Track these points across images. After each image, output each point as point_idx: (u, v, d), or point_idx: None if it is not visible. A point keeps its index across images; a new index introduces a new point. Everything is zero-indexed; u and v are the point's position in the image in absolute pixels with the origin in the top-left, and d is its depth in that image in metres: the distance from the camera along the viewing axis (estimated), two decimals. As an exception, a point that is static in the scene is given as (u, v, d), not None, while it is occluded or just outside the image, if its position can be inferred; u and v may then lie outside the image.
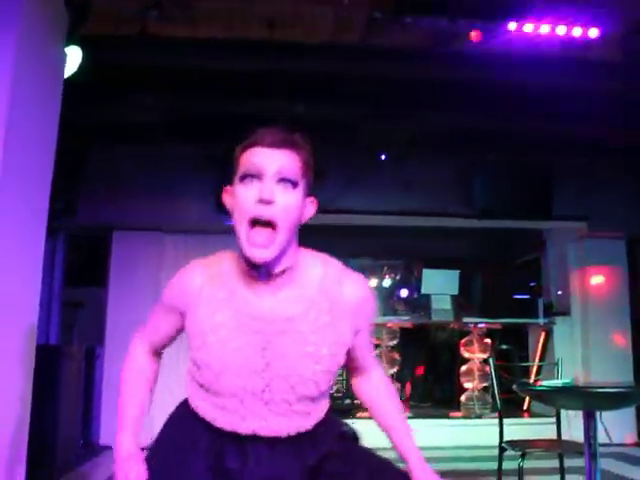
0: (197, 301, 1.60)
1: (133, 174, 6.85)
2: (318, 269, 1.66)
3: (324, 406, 1.71)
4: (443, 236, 7.87)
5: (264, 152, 1.51)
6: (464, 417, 7.32)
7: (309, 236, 7.43)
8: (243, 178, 1.50)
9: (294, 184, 1.53)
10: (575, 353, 7.34)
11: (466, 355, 7.56)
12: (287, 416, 1.58)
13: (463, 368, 7.58)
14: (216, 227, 6.99)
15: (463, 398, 7.51)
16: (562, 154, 7.11)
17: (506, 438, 4.03)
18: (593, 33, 4.66)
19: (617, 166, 7.39)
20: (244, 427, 1.58)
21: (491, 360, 4.30)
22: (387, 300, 8.45)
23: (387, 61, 5.30)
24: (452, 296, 7.60)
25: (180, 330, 1.72)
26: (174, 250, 7.07)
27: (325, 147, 6.87)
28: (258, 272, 1.56)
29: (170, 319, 1.71)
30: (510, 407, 7.80)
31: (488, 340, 7.67)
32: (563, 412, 4.77)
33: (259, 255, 1.48)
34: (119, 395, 1.72)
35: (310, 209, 1.61)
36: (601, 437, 6.21)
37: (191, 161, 6.87)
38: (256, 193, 1.47)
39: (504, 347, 7.95)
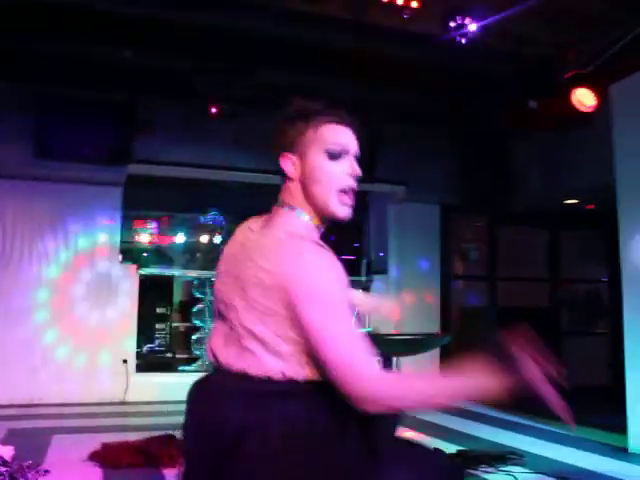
0: None
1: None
2: None
3: None
4: (272, 193, 7.97)
5: (347, 132, 1.72)
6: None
7: (135, 188, 7.27)
8: (332, 155, 1.68)
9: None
10: (389, 308, 7.81)
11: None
12: None
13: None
14: (35, 172, 6.64)
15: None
16: (388, 120, 7.42)
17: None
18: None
19: (440, 137, 7.85)
20: None
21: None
22: (211, 254, 8.48)
23: (225, 13, 5.22)
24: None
25: None
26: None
27: (158, 97, 6.76)
28: (323, 230, 1.74)
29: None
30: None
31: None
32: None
33: (346, 213, 1.71)
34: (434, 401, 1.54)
35: None
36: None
37: (7, 102, 6.41)
38: (344, 168, 1.69)
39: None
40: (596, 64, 5.45)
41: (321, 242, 1.63)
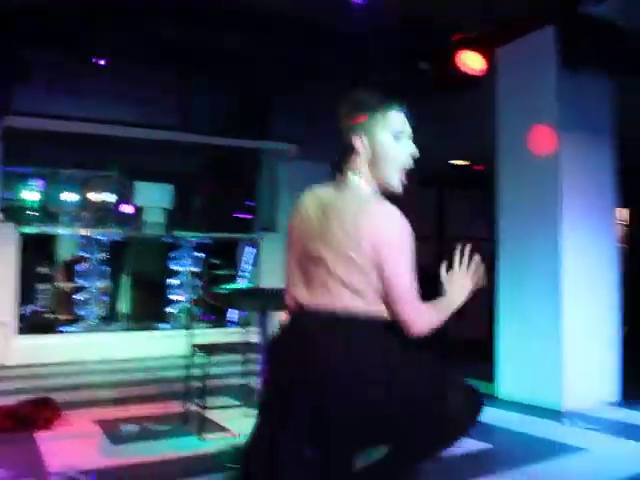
0: None
1: None
2: None
3: None
4: (160, 149, 7.76)
5: (404, 117, 2.10)
6: (173, 328, 7.49)
7: (15, 141, 6.89)
8: (396, 136, 2.06)
9: None
10: (279, 265, 7.87)
11: (176, 268, 7.68)
12: None
13: (173, 281, 7.70)
14: None
15: (172, 310, 7.67)
16: (282, 78, 7.33)
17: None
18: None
19: (332, 95, 7.81)
20: None
21: (185, 269, 4.42)
22: (98, 212, 8.21)
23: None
24: (165, 210, 7.60)
25: None
26: None
27: (38, 46, 6.38)
28: None
29: None
30: (219, 317, 8.18)
31: (199, 254, 7.88)
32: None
33: (400, 189, 2.10)
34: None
35: None
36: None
37: None
38: (407, 148, 2.08)
39: (215, 261, 8.22)
40: (484, 28, 5.53)
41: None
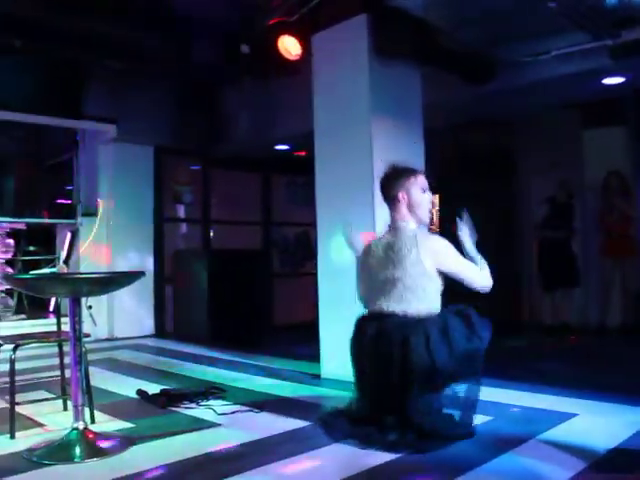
0: None
1: None
2: None
3: None
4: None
5: (424, 178, 3.38)
6: (-16, 322, 7.02)
7: None
8: (423, 190, 3.33)
9: None
10: (101, 250, 7.62)
11: (-14, 256, 7.20)
12: None
13: (-16, 270, 7.21)
14: None
15: (-17, 302, 7.19)
16: (95, 54, 7.00)
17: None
18: None
19: (152, 77, 7.62)
20: None
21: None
22: None
23: None
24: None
25: None
26: None
27: None
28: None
29: None
30: (38, 309, 7.78)
31: (11, 241, 7.43)
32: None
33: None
34: None
35: None
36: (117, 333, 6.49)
37: None
38: (430, 198, 3.38)
39: (31, 248, 7.79)
40: (301, 12, 5.60)
41: None
